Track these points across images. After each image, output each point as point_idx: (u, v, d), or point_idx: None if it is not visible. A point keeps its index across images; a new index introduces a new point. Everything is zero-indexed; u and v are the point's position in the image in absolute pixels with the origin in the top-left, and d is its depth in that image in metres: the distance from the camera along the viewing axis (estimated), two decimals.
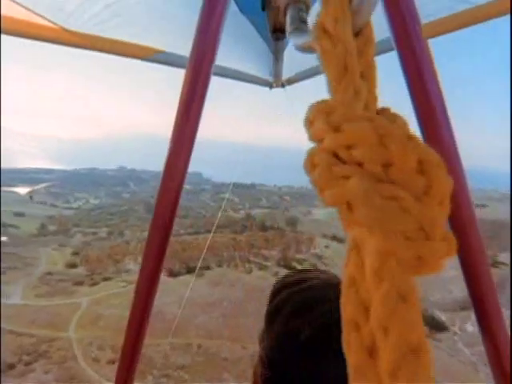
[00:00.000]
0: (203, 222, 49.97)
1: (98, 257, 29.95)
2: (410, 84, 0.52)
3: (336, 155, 0.19)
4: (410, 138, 0.18)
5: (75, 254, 33.07)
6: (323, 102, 0.22)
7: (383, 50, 1.07)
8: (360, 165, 0.18)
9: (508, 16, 0.87)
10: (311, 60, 1.39)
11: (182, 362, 15.77)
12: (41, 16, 1.06)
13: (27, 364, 12.95)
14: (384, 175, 0.18)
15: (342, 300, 0.20)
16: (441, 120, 0.52)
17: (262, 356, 0.50)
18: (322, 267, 29.07)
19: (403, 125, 0.22)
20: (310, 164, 0.21)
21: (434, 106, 0.51)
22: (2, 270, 24.13)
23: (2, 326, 15.90)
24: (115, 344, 15.45)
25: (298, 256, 35.22)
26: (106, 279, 24.73)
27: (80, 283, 23.70)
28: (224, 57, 1.10)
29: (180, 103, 0.57)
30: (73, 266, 29.11)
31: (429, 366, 0.17)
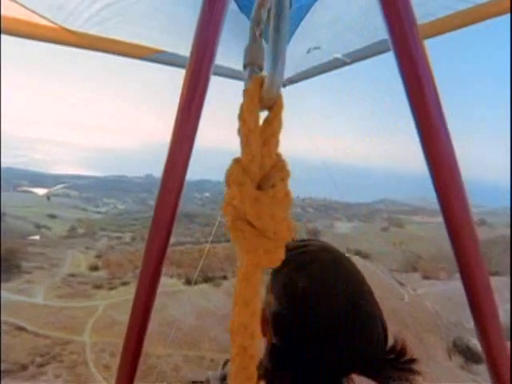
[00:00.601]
0: (224, 230, 49.78)
1: (118, 261, 30.43)
2: (406, 85, 0.52)
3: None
4: (258, 199, 0.34)
5: (98, 256, 33.88)
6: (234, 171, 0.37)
7: (380, 51, 1.16)
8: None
9: (507, 16, 0.84)
10: (312, 60, 1.37)
11: (194, 376, 15.04)
12: (40, 15, 1.04)
13: (39, 366, 12.90)
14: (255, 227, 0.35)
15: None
16: (437, 121, 0.52)
17: (266, 305, 0.60)
18: None
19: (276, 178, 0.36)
20: None
21: (431, 107, 0.52)
22: (28, 269, 25.01)
23: (21, 324, 16.15)
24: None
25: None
26: (124, 284, 24.82)
27: (99, 286, 23.97)
28: (223, 56, 1.07)
29: (180, 103, 0.57)
30: (95, 268, 29.72)
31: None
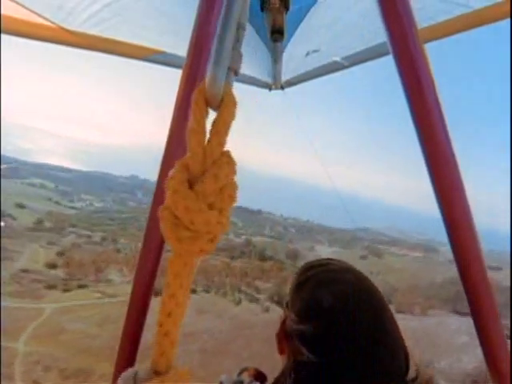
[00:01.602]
0: None
1: (80, 261, 28.11)
2: (406, 87, 0.53)
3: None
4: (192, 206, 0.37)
5: (60, 254, 31.35)
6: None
7: (379, 54, 1.22)
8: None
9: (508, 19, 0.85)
10: (310, 62, 1.45)
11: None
12: (40, 15, 1.08)
13: None
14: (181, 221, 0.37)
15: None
16: (437, 123, 0.52)
17: (287, 320, 0.61)
18: None
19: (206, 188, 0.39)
20: None
21: (430, 109, 0.52)
22: None
23: None
24: (66, 368, 13.18)
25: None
26: (81, 286, 22.69)
27: (53, 287, 21.74)
28: None
29: (176, 104, 0.57)
30: (53, 266, 27.30)
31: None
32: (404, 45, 0.51)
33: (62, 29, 1.13)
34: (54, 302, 19.10)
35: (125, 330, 0.65)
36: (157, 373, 0.40)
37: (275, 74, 1.53)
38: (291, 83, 1.61)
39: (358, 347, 0.54)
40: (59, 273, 26.08)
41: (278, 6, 0.58)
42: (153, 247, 0.62)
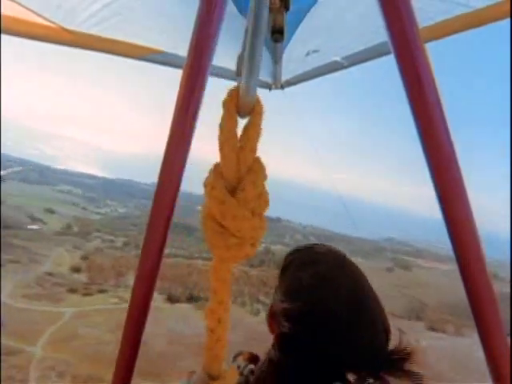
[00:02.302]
0: None
1: (102, 265, 28.50)
2: (407, 87, 0.53)
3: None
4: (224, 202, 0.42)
5: (84, 258, 32.06)
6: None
7: (379, 53, 1.19)
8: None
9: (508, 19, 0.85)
10: (310, 62, 1.43)
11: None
12: (39, 15, 1.07)
13: None
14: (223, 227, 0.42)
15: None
16: (439, 123, 0.52)
17: (274, 302, 0.65)
18: None
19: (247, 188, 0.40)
20: None
21: (432, 109, 0.52)
22: (2, 262, 23.31)
23: None
24: (79, 374, 12.91)
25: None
26: (101, 291, 22.81)
27: (74, 291, 21.99)
28: (222, 57, 1.10)
29: (177, 104, 0.58)
30: (77, 270, 27.85)
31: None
32: (405, 44, 0.51)
33: (62, 28, 1.12)
34: (74, 306, 19.22)
35: (125, 334, 0.65)
36: (211, 377, 0.40)
37: (275, 73, 1.51)
38: (291, 83, 1.58)
39: (337, 322, 0.57)
40: (82, 277, 26.51)
41: (278, 6, 0.58)
42: (153, 251, 0.62)
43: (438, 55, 9.86)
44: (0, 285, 14.57)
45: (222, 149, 0.38)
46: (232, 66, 1.38)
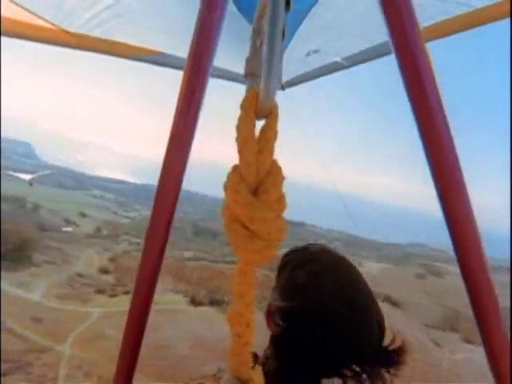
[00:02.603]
0: None
1: (128, 267, 29.35)
2: (408, 87, 0.53)
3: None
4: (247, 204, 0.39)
5: (112, 260, 33.27)
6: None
7: (379, 54, 1.21)
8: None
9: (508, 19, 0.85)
10: (311, 62, 1.48)
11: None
12: (40, 17, 1.09)
13: (4, 374, 11.35)
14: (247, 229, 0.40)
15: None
16: (439, 123, 0.52)
17: (271, 301, 0.68)
18: None
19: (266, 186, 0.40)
20: None
21: (433, 109, 0.52)
22: (38, 262, 24.64)
23: (5, 320, 15.02)
24: (104, 375, 13.19)
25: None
26: (126, 293, 23.39)
27: (102, 291, 22.76)
28: (222, 58, 1.24)
29: (178, 105, 0.57)
30: (105, 271, 28.91)
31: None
32: (406, 44, 0.51)
33: (63, 30, 1.14)
34: (101, 306, 19.85)
35: (125, 336, 0.65)
36: (241, 381, 0.41)
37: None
38: (291, 83, 1.54)
39: (331, 321, 0.59)
40: (109, 278, 27.46)
41: None
42: (153, 254, 0.62)
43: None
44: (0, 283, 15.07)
45: (241, 151, 0.38)
46: (232, 66, 1.38)
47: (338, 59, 1.37)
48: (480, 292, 0.56)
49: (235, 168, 0.40)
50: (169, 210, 0.60)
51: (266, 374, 0.61)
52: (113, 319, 18.65)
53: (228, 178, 0.40)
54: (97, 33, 1.19)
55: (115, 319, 18.87)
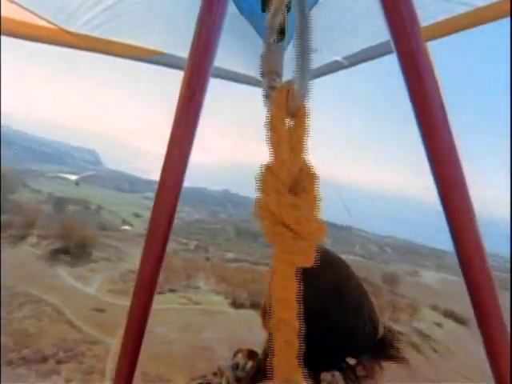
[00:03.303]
0: None
1: (175, 266, 30.50)
2: (409, 86, 0.53)
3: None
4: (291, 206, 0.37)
5: None
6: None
7: (383, 52, 1.20)
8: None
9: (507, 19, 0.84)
10: (312, 62, 1.40)
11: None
12: (41, 17, 1.10)
13: (58, 362, 12.22)
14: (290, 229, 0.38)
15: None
16: (440, 123, 0.53)
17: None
18: (429, 351, 21.37)
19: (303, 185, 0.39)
20: None
21: (434, 108, 0.52)
22: (96, 259, 26.77)
23: (63, 311, 16.31)
24: (147, 372, 13.48)
25: (393, 325, 26.44)
26: (172, 290, 24.15)
27: None
28: (223, 58, 1.24)
29: (178, 106, 0.58)
30: None
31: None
32: (407, 43, 0.51)
33: (63, 30, 1.15)
34: None
35: (125, 336, 0.63)
36: None
37: None
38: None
39: (322, 317, 0.61)
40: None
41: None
42: (154, 254, 0.61)
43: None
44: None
45: (275, 150, 0.37)
46: (233, 67, 1.36)
47: (338, 58, 1.35)
48: (480, 290, 0.55)
49: (268, 168, 0.39)
50: (169, 211, 0.60)
51: (264, 370, 0.63)
52: (159, 316, 19.25)
53: (262, 178, 0.39)
54: (97, 33, 1.19)
55: (161, 316, 19.43)
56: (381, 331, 0.66)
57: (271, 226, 0.37)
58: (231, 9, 1.02)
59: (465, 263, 0.55)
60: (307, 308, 0.52)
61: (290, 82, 0.49)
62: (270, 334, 0.57)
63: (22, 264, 21.95)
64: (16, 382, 10.62)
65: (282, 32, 0.59)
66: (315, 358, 0.58)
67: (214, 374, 0.73)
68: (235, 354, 0.76)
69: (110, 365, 13.28)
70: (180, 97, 0.57)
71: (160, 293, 24.42)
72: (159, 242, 0.62)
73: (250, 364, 0.70)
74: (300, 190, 0.38)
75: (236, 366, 0.70)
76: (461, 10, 0.92)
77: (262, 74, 0.57)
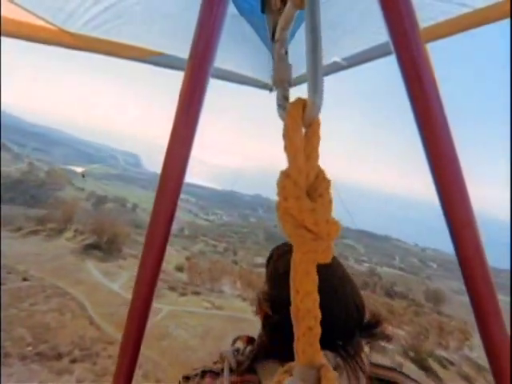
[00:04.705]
0: None
1: (201, 267, 29.89)
2: (408, 88, 0.54)
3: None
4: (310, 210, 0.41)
5: (187, 258, 34.79)
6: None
7: (379, 54, 1.22)
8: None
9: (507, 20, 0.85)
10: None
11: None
12: (40, 17, 1.08)
13: (72, 361, 11.76)
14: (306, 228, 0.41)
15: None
16: (440, 124, 0.53)
17: (261, 290, 0.75)
18: (482, 382, 18.30)
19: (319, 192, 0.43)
20: None
21: (433, 109, 0.53)
22: (125, 255, 26.98)
23: (86, 306, 16.12)
24: (163, 378, 12.59)
25: (440, 352, 23.08)
26: (195, 293, 23.38)
27: (173, 289, 23.31)
28: (223, 59, 1.23)
29: (178, 106, 0.58)
30: (180, 269, 30.12)
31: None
32: (406, 44, 0.52)
33: (63, 31, 1.14)
34: (170, 304, 20.06)
35: (125, 336, 0.66)
36: (315, 367, 0.43)
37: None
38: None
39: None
40: (183, 276, 28.37)
41: (278, 6, 0.57)
42: (154, 252, 0.63)
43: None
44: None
45: (293, 160, 0.41)
46: (232, 67, 1.45)
47: (337, 59, 1.35)
48: (480, 290, 0.56)
49: (287, 175, 0.42)
50: (169, 211, 0.61)
51: (260, 353, 0.69)
52: (178, 319, 18.40)
53: (281, 185, 0.41)
54: (97, 33, 1.18)
55: (182, 319, 18.57)
56: (367, 315, 0.71)
57: (293, 228, 0.41)
58: (231, 9, 1.02)
59: (464, 264, 0.56)
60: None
61: (288, 92, 0.52)
62: (263, 320, 0.70)
63: (55, 257, 22.69)
64: (28, 377, 10.23)
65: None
66: None
67: (215, 362, 0.74)
68: (234, 341, 0.78)
69: None
70: (180, 97, 0.57)
71: (183, 294, 23.85)
72: (159, 241, 0.62)
73: (248, 349, 0.72)
74: (317, 195, 0.42)
75: (236, 352, 0.74)
76: (460, 11, 0.93)
77: (275, 85, 0.58)
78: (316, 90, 0.43)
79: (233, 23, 1.08)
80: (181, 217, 75.72)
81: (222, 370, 0.70)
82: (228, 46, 1.10)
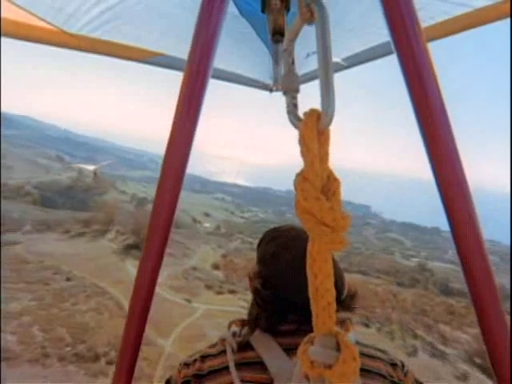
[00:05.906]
0: (358, 259, 41.44)
1: (237, 265, 29.35)
2: (409, 87, 0.54)
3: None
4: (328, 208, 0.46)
5: (224, 256, 34.54)
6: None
7: (379, 55, 1.22)
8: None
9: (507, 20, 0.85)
10: (310, 63, 1.44)
11: None
12: (40, 18, 1.09)
13: (109, 363, 11.54)
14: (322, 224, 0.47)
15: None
16: (441, 122, 0.54)
17: (252, 269, 0.82)
18: None
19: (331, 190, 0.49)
20: None
21: (434, 108, 0.53)
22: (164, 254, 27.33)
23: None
24: None
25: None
26: (231, 291, 22.74)
27: (210, 287, 22.92)
28: (223, 60, 1.24)
29: (178, 106, 0.59)
30: (216, 267, 29.86)
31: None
32: (407, 44, 0.52)
33: (63, 32, 1.15)
34: (206, 303, 19.60)
35: (125, 336, 0.66)
36: (332, 334, 0.47)
37: (276, 75, 1.56)
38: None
39: (293, 279, 0.72)
40: (219, 274, 28.02)
41: (278, 6, 0.60)
42: (154, 252, 0.63)
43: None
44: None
45: (309, 163, 0.46)
46: (232, 67, 1.46)
47: (338, 60, 1.38)
48: (480, 286, 0.56)
49: (304, 177, 0.47)
50: (169, 210, 0.61)
51: (251, 324, 0.76)
52: (214, 318, 17.76)
53: (300, 187, 0.46)
54: (97, 34, 1.19)
55: (217, 319, 17.90)
56: (346, 290, 0.77)
57: (314, 225, 0.46)
58: (231, 10, 1.03)
59: (465, 260, 0.56)
60: (284, 274, 0.74)
61: (297, 99, 0.56)
62: (255, 295, 0.77)
63: (96, 257, 23.56)
64: (64, 378, 10.11)
65: (281, 33, 0.60)
66: (295, 310, 0.72)
67: (213, 345, 0.77)
68: (230, 325, 0.82)
69: (160, 371, 12.18)
70: (180, 97, 0.57)
71: (219, 293, 23.41)
72: (159, 241, 0.62)
73: (244, 330, 0.78)
74: (330, 194, 0.47)
75: (234, 334, 0.79)
76: (460, 11, 0.94)
77: (284, 93, 0.61)
78: (329, 103, 0.46)
79: (233, 23, 1.10)
80: (217, 216, 76.74)
81: (222, 351, 0.73)
82: (228, 46, 1.11)
